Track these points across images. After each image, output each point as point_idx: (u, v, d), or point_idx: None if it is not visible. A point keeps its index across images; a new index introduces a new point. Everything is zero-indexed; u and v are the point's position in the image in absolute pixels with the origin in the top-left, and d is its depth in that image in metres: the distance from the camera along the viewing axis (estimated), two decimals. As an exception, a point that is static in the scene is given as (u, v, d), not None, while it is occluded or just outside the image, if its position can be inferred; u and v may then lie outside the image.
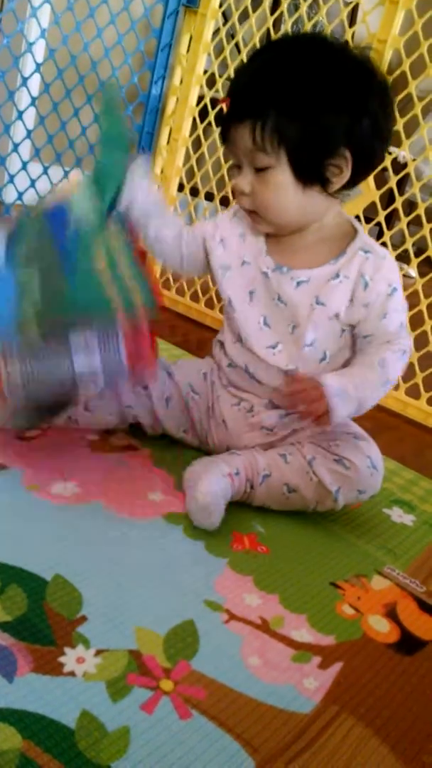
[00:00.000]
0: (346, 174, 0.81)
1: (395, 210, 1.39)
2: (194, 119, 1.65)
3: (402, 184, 1.96)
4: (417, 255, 1.37)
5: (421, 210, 1.32)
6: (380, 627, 0.73)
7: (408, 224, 1.34)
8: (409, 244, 1.34)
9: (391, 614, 0.76)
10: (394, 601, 0.78)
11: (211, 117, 1.61)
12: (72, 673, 0.58)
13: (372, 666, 0.68)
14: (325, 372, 0.85)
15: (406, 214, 1.39)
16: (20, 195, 1.56)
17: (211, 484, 0.82)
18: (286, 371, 0.88)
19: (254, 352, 0.90)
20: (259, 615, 0.70)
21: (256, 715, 0.58)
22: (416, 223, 1.36)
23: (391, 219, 1.38)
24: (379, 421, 1.34)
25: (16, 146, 1.55)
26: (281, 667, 0.65)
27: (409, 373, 1.37)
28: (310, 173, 0.80)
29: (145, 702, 0.57)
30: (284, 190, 0.81)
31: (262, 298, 0.90)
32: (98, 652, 0.60)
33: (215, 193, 1.66)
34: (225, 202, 1.66)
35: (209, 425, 0.96)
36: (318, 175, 0.80)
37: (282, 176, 0.80)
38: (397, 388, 1.38)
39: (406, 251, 1.37)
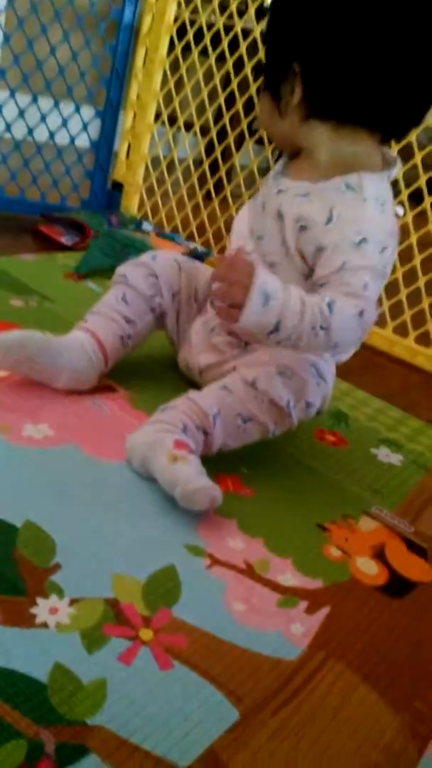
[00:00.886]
0: (298, 91, 0.77)
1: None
2: (172, 39, 1.54)
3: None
4: (414, 197, 1.30)
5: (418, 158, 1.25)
6: (368, 569, 0.71)
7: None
8: (399, 174, 1.27)
9: (380, 556, 0.73)
10: (383, 542, 0.75)
11: (190, 36, 1.50)
12: (44, 625, 0.54)
13: (360, 609, 0.65)
14: None
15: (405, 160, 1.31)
16: (8, 126, 1.46)
17: (174, 472, 0.71)
18: None
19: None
20: (244, 559, 0.67)
21: (240, 664, 0.56)
22: (406, 155, 1.29)
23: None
24: (365, 359, 1.29)
25: (-21, 68, 1.44)
26: (267, 612, 0.62)
27: (396, 311, 1.33)
28: (271, 89, 0.81)
29: (122, 652, 0.54)
30: (264, 108, 0.83)
31: (254, 209, 0.87)
32: (72, 602, 0.57)
33: (195, 121, 1.56)
34: (205, 132, 1.57)
35: (183, 337, 0.95)
36: (275, 90, 0.80)
37: (264, 98, 0.83)
38: (384, 325, 1.34)
39: (395, 184, 1.30)
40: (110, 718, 0.48)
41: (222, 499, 0.71)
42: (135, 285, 0.92)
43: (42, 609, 0.56)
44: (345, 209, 0.77)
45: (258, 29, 1.41)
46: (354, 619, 0.64)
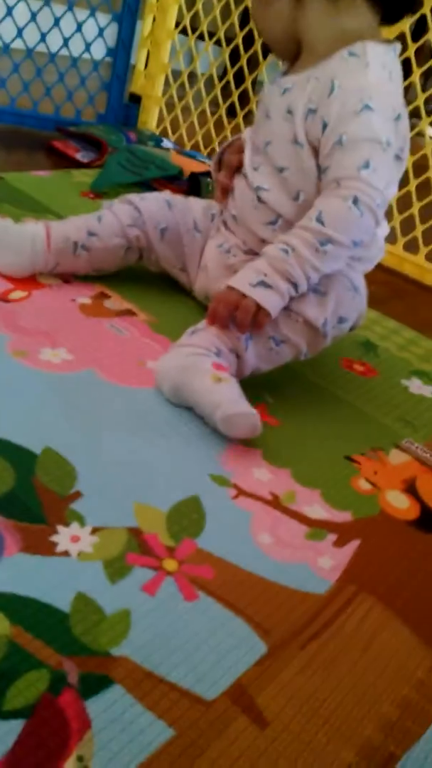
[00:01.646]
0: None
1: (425, 47, 1.22)
2: None
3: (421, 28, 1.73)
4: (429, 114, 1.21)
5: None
6: (399, 503, 0.68)
7: (424, 75, 1.17)
8: (420, 101, 1.18)
9: (411, 490, 0.70)
10: (414, 476, 0.72)
11: None
12: (66, 553, 0.52)
13: (391, 544, 0.63)
14: (300, 214, 0.75)
15: (420, 64, 1.21)
16: (20, 31, 1.36)
17: (217, 394, 0.68)
18: (257, 188, 0.80)
19: (244, 170, 0.82)
20: (270, 490, 0.65)
21: (267, 596, 0.54)
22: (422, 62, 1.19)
23: (419, 58, 1.21)
24: (396, 287, 1.24)
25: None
26: (294, 544, 0.59)
27: (430, 237, 1.26)
28: None
29: (146, 582, 0.52)
30: (255, 2, 0.78)
31: (259, 119, 0.82)
32: (94, 530, 0.55)
33: (219, 27, 1.46)
34: (229, 41, 1.46)
35: (198, 267, 0.90)
36: None
37: None
38: (417, 251, 1.28)
39: (416, 108, 1.21)
40: (135, 649, 0.47)
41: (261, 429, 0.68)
42: (116, 211, 0.89)
43: (63, 537, 0.54)
44: (346, 77, 0.72)
45: None
46: (385, 553, 0.61)
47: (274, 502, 0.64)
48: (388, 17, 0.76)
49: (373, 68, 0.71)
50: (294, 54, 0.80)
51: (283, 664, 0.49)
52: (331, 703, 0.47)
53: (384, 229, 0.81)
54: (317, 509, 0.64)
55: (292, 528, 0.61)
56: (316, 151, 0.75)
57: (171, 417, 0.71)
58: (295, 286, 0.72)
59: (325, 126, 0.73)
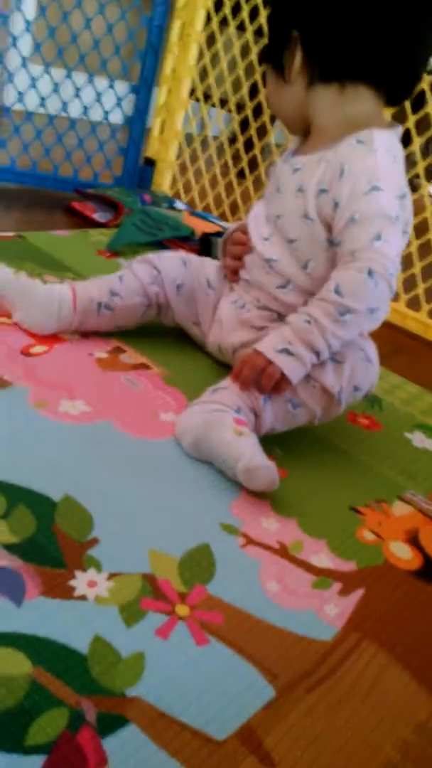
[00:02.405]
0: (298, 58, 0.80)
1: (426, 118, 1.29)
2: (208, 13, 1.52)
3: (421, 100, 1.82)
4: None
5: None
6: (402, 553, 0.71)
7: (425, 143, 1.24)
8: (421, 167, 1.25)
9: (414, 541, 0.73)
10: (417, 528, 0.75)
11: (227, 10, 1.48)
12: (83, 597, 0.55)
13: (394, 593, 0.65)
14: (309, 280, 0.83)
15: (420, 134, 1.29)
16: (20, 96, 1.45)
17: (239, 447, 0.72)
18: (267, 260, 0.86)
19: (252, 244, 0.88)
20: (278, 539, 0.68)
21: (275, 642, 0.56)
22: (425, 127, 1.26)
23: (420, 128, 1.28)
24: (399, 343, 1.29)
25: (15, 39, 1.43)
26: (301, 593, 0.62)
27: (431, 295, 1.31)
28: (275, 61, 0.83)
29: (160, 627, 0.54)
30: (270, 82, 0.85)
31: (270, 193, 0.89)
32: (111, 576, 0.58)
33: (230, 97, 1.55)
34: (240, 108, 1.55)
35: (211, 322, 0.95)
36: (278, 61, 0.82)
37: (269, 74, 0.85)
38: (419, 309, 1.32)
39: (412, 155, 1.28)
40: (149, 690, 0.49)
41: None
42: (136, 271, 0.95)
43: (81, 582, 0.56)
44: (356, 161, 0.78)
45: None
46: (388, 602, 0.64)
47: (282, 551, 0.66)
48: (392, 100, 0.82)
49: (380, 153, 0.78)
50: (305, 131, 0.87)
51: (290, 707, 0.51)
52: (335, 746, 0.49)
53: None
54: (323, 559, 0.67)
55: (299, 576, 0.64)
56: (327, 226, 0.80)
57: (183, 467, 0.74)
58: (317, 354, 0.76)
59: (336, 205, 0.78)
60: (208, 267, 0.97)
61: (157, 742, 0.46)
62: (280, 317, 0.87)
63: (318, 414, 0.81)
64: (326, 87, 0.80)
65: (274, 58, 0.83)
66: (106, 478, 0.69)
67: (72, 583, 0.56)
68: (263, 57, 0.86)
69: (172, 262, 0.96)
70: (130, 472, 0.71)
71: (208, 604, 0.58)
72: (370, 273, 0.74)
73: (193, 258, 0.99)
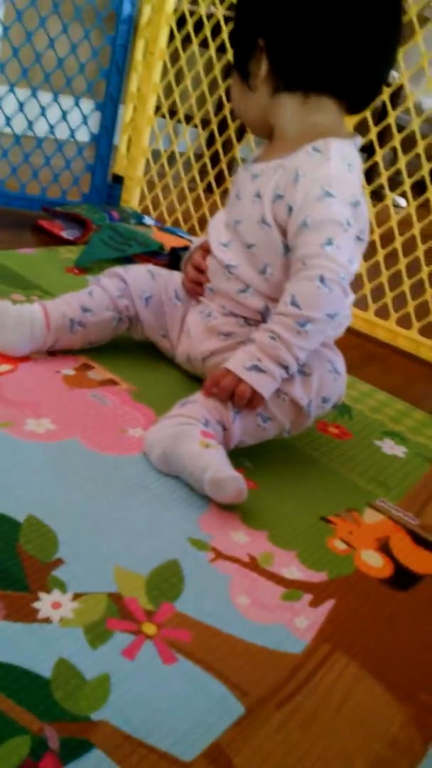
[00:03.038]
0: (264, 67, 0.81)
1: (387, 130, 1.31)
2: (171, 30, 1.53)
3: (393, 104, 1.85)
4: (403, 181, 1.29)
5: (415, 127, 1.24)
6: (373, 561, 0.70)
7: (399, 148, 1.26)
8: (401, 163, 1.27)
9: (385, 548, 0.73)
10: (387, 535, 0.75)
11: (190, 26, 1.49)
12: (47, 620, 0.54)
13: (365, 602, 0.65)
14: (267, 285, 0.84)
15: (382, 145, 1.30)
16: (8, 120, 1.45)
17: (206, 458, 0.71)
18: (227, 266, 0.87)
19: (212, 251, 0.89)
20: (248, 552, 0.67)
21: (245, 658, 0.55)
22: (407, 147, 1.28)
23: (382, 140, 1.29)
24: (368, 351, 1.29)
25: (-22, 61, 1.43)
26: (271, 606, 0.61)
27: (399, 303, 1.32)
28: (240, 68, 0.84)
29: (126, 647, 0.53)
30: (235, 89, 0.87)
31: (231, 200, 0.90)
32: (76, 596, 0.57)
33: (195, 113, 1.56)
34: (205, 124, 1.56)
35: (179, 333, 0.95)
36: (243, 69, 0.83)
37: (234, 80, 0.86)
38: (387, 317, 1.33)
39: (397, 176, 1.29)
40: (114, 713, 0.48)
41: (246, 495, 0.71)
42: (104, 285, 0.95)
43: (45, 604, 0.55)
44: (310, 169, 0.79)
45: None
46: (359, 612, 0.63)
47: (252, 564, 0.66)
48: (353, 109, 0.84)
49: (334, 161, 0.79)
50: (268, 133, 0.88)
51: (260, 724, 0.50)
52: (306, 762, 0.48)
53: (350, 298, 0.86)
54: (293, 570, 0.66)
55: (269, 589, 0.63)
56: (283, 231, 0.82)
57: (151, 483, 0.73)
58: (286, 368, 0.76)
59: (290, 210, 0.79)
60: (176, 279, 0.97)
61: (123, 766, 0.45)
62: (247, 322, 0.88)
63: (287, 427, 0.81)
64: (290, 96, 0.82)
65: (239, 64, 0.84)
66: (72, 497, 0.68)
67: (36, 605, 0.55)
68: (234, 64, 0.86)
69: (140, 274, 0.96)
70: (96, 489, 0.70)
71: (176, 622, 0.57)
72: (322, 280, 0.75)
73: (161, 270, 0.99)
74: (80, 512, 0.66)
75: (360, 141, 0.85)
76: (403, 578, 0.69)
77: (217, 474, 0.69)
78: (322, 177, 0.78)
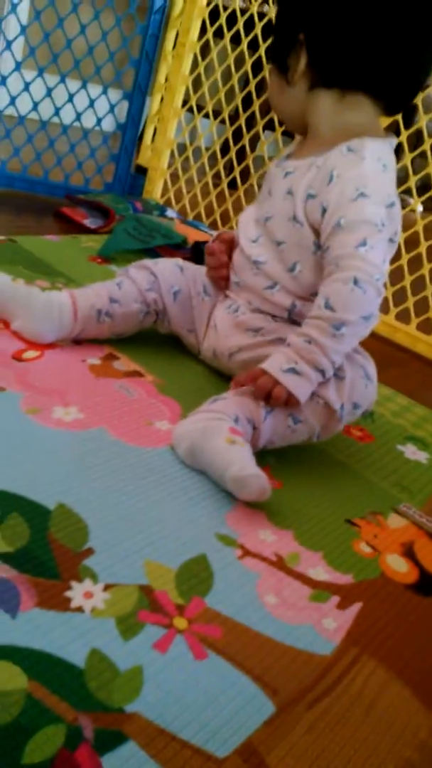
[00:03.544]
0: (303, 61, 0.81)
1: (418, 133, 1.30)
2: (204, 22, 1.53)
3: (410, 114, 1.83)
4: (422, 191, 1.29)
5: (426, 145, 1.23)
6: (398, 566, 0.70)
7: (414, 158, 1.25)
8: (412, 181, 1.26)
9: (409, 553, 0.73)
10: (412, 540, 0.75)
11: (222, 20, 1.49)
12: (80, 609, 0.54)
13: (392, 606, 0.64)
14: (296, 283, 0.84)
15: (413, 148, 1.30)
16: (13, 100, 1.44)
17: (230, 454, 0.71)
18: (255, 262, 0.87)
19: (241, 246, 0.89)
20: (274, 551, 0.67)
21: (274, 656, 0.55)
22: (422, 156, 1.28)
23: (398, 152, 1.29)
24: (388, 356, 1.29)
25: (9, 43, 1.42)
26: (299, 606, 0.61)
27: (421, 308, 1.32)
28: (279, 62, 0.84)
29: (158, 640, 0.53)
30: (272, 83, 0.87)
31: (263, 196, 0.90)
32: (107, 587, 0.56)
33: (223, 107, 1.55)
34: (233, 120, 1.55)
35: (206, 328, 0.95)
36: (282, 63, 0.83)
37: (273, 74, 0.86)
38: (409, 322, 1.33)
39: (421, 181, 1.29)
40: (148, 706, 0.48)
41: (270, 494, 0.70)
42: (133, 277, 0.94)
43: (77, 593, 0.55)
44: (345, 169, 0.79)
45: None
46: (386, 616, 0.63)
47: (279, 564, 0.65)
48: (390, 111, 0.84)
49: (369, 161, 0.79)
50: (302, 130, 0.88)
51: (291, 724, 0.50)
52: (338, 765, 0.48)
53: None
54: (320, 571, 0.66)
55: (297, 589, 0.63)
56: (314, 230, 0.81)
57: (178, 477, 0.73)
58: (322, 372, 0.76)
59: (324, 210, 0.79)
60: (205, 273, 0.97)
61: (157, 759, 0.45)
62: (274, 319, 0.87)
63: (317, 431, 0.81)
64: (327, 92, 0.82)
65: (278, 58, 0.84)
66: (100, 487, 0.68)
67: (68, 594, 0.55)
68: (272, 59, 0.86)
69: (169, 267, 0.96)
70: (124, 480, 0.70)
71: (207, 617, 0.57)
72: (356, 281, 0.75)
73: (190, 265, 0.98)
74: (109, 503, 0.66)
75: (395, 141, 0.85)
76: (428, 584, 0.69)
77: (241, 471, 0.69)
78: (356, 177, 0.78)
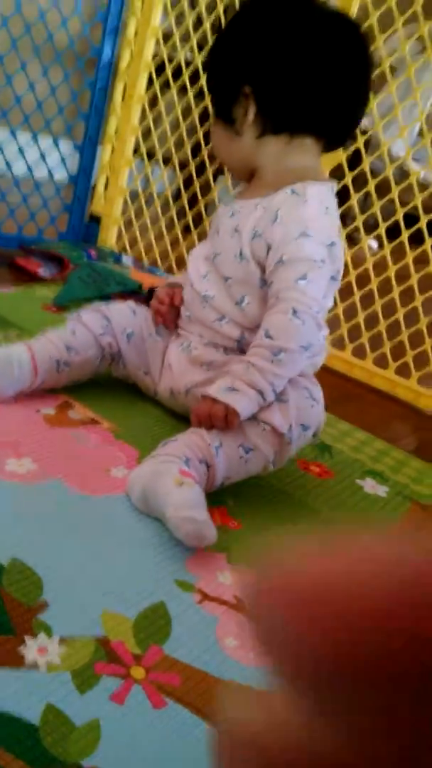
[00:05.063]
0: (251, 112, 0.84)
1: (361, 175, 1.35)
2: (150, 75, 1.57)
3: (369, 148, 1.91)
4: (374, 228, 1.33)
5: (371, 185, 1.28)
6: (358, 601, 0.70)
7: (373, 193, 1.30)
8: (376, 207, 1.30)
9: (369, 588, 0.73)
10: (371, 574, 0.75)
11: (168, 73, 1.53)
12: (34, 665, 0.53)
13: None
14: (243, 315, 0.87)
15: (360, 187, 1.34)
16: None
17: (175, 496, 0.70)
18: (204, 296, 0.90)
19: (191, 282, 0.92)
20: (234, 594, 0.66)
21: (234, 701, 0.54)
22: (380, 192, 1.32)
23: (356, 185, 1.34)
24: (346, 390, 1.31)
25: (-41, 102, 1.44)
26: (259, 647, 0.61)
27: (376, 343, 1.35)
28: (224, 115, 0.87)
29: (115, 692, 0.52)
30: (218, 135, 0.90)
31: (211, 234, 0.94)
32: (62, 641, 0.55)
33: (173, 155, 1.59)
34: (183, 166, 1.59)
35: (161, 369, 0.96)
36: (228, 115, 0.86)
37: (215, 124, 0.89)
38: (364, 357, 1.35)
39: (370, 219, 1.33)
40: (106, 759, 0.47)
41: (215, 539, 0.69)
42: (86, 322, 0.95)
43: (31, 649, 0.54)
44: (289, 210, 0.83)
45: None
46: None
47: (239, 606, 0.65)
48: (330, 146, 0.89)
49: (311, 204, 0.83)
50: (249, 176, 0.91)
51: (253, 770, 0.49)
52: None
53: (324, 332, 0.89)
54: (280, 610, 0.66)
55: (257, 630, 0.62)
56: (260, 266, 0.85)
57: (135, 523, 0.73)
58: (261, 393, 0.78)
59: (269, 248, 0.83)
60: (151, 318, 0.99)
61: None
62: (225, 351, 0.90)
63: (271, 458, 0.81)
64: (276, 138, 0.86)
65: (223, 111, 0.87)
66: (56, 538, 0.67)
67: (21, 650, 0.54)
68: (216, 112, 0.90)
69: (121, 310, 0.98)
70: (81, 530, 0.69)
71: (165, 665, 0.56)
72: (294, 312, 0.79)
73: (142, 307, 1.00)
74: (65, 554, 0.65)
75: (336, 186, 0.89)
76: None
77: (179, 513, 0.68)
78: (299, 218, 0.82)
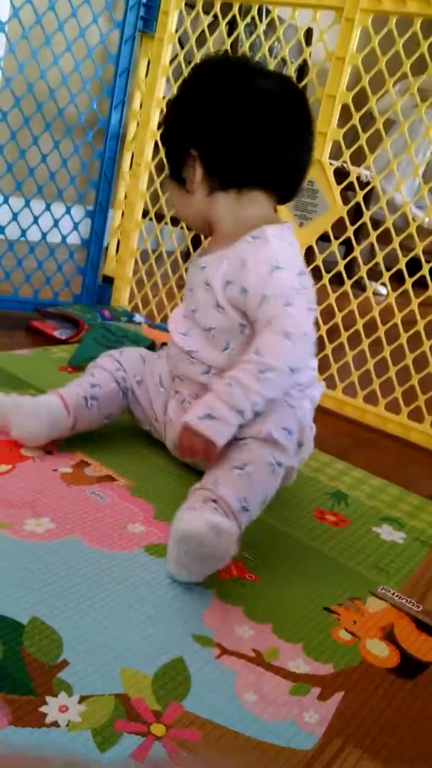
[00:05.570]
0: (199, 172, 0.90)
1: (364, 226, 1.38)
2: (156, 143, 1.64)
3: (368, 201, 1.96)
4: (387, 270, 1.36)
5: (373, 237, 1.32)
6: (379, 651, 0.70)
7: (377, 241, 1.33)
8: (379, 257, 1.34)
9: (389, 637, 0.72)
10: (391, 623, 0.75)
11: (173, 140, 1.60)
12: (55, 724, 0.53)
13: (374, 693, 0.64)
14: (229, 361, 0.89)
15: (374, 231, 1.38)
16: (2, 229, 1.53)
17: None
18: (188, 352, 0.93)
19: (174, 341, 0.96)
20: (252, 647, 0.66)
21: (255, 756, 0.54)
22: (384, 240, 1.36)
23: (359, 235, 1.37)
24: (359, 437, 1.32)
25: (-25, 176, 1.51)
26: (279, 701, 0.61)
27: (388, 389, 1.36)
28: (176, 176, 0.93)
29: (135, 749, 0.52)
30: (174, 194, 0.96)
31: (186, 292, 0.98)
32: (82, 699, 0.56)
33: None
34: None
35: (164, 421, 0.99)
36: (179, 176, 0.92)
37: (171, 186, 0.96)
38: (376, 403, 1.36)
39: (377, 266, 1.36)
40: None
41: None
42: (101, 364, 1.02)
43: (52, 708, 0.54)
44: (254, 253, 0.88)
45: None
46: (368, 703, 0.62)
47: (258, 659, 0.65)
48: (282, 198, 0.95)
49: (273, 242, 0.88)
50: (208, 230, 0.97)
51: None
52: None
53: (314, 362, 0.93)
54: (300, 663, 0.66)
55: (277, 684, 0.62)
56: (239, 312, 0.89)
57: (152, 579, 0.73)
58: (240, 413, 0.81)
59: (244, 290, 0.87)
60: (163, 366, 1.01)
61: None
62: None
63: (273, 461, 0.82)
64: (225, 194, 0.91)
65: (175, 173, 0.93)
66: (74, 596, 0.68)
67: (43, 709, 0.54)
68: (169, 174, 0.97)
69: (132, 357, 1.03)
70: (98, 587, 0.70)
71: (185, 721, 0.56)
72: (287, 335, 0.82)
73: (151, 355, 1.04)
74: (83, 611, 0.66)
75: (291, 226, 0.94)
76: (409, 666, 0.69)
77: (177, 523, 0.73)
78: (266, 256, 0.87)
